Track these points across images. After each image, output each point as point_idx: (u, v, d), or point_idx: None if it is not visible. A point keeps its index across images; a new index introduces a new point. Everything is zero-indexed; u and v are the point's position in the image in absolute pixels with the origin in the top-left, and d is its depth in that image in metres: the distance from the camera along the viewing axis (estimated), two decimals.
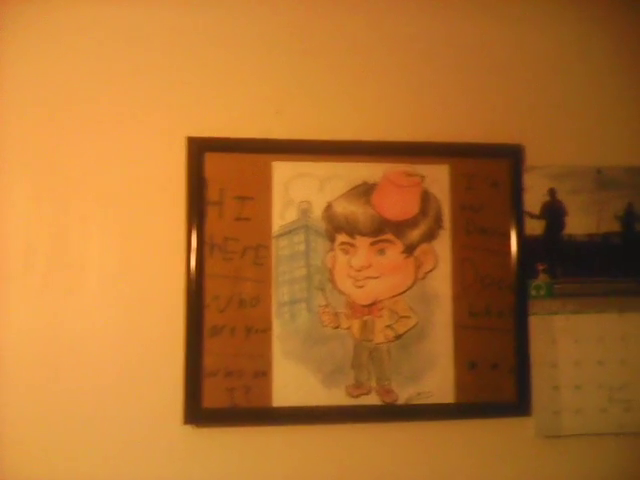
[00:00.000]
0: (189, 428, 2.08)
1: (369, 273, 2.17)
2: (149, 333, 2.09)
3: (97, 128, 2.13)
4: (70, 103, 2.13)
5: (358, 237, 2.17)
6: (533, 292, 2.23)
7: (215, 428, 2.10)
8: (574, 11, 2.36)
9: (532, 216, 2.26)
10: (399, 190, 2.20)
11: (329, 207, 2.17)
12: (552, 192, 2.27)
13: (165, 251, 2.11)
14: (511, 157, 2.26)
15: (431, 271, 2.20)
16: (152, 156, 2.13)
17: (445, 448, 2.19)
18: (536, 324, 2.22)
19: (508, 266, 2.24)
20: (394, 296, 2.18)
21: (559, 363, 2.22)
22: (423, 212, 2.21)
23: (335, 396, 2.13)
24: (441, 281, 2.20)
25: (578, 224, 2.27)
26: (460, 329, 2.20)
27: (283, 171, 2.16)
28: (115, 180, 2.12)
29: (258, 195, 2.15)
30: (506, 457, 2.20)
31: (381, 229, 2.18)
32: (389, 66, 2.26)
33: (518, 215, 2.25)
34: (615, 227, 2.29)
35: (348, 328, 2.15)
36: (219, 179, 2.13)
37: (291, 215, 2.16)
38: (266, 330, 2.12)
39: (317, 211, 2.17)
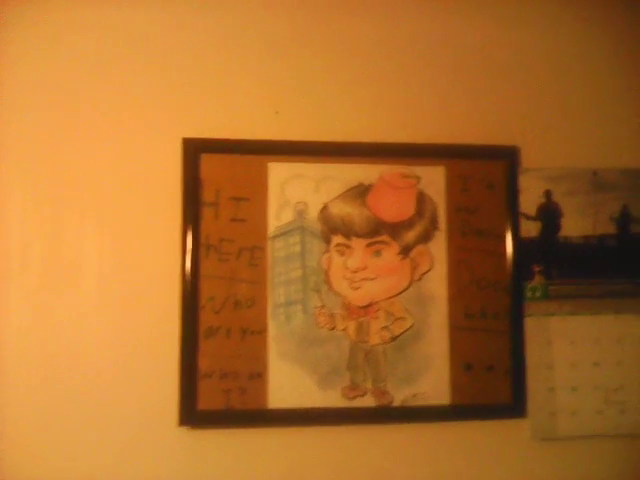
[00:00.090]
0: (184, 430, 2.08)
1: (365, 274, 2.17)
2: (144, 334, 2.09)
3: (93, 129, 2.13)
4: (66, 104, 2.13)
5: (354, 238, 2.17)
6: (529, 294, 2.23)
7: (210, 430, 2.10)
8: (570, 14, 2.36)
9: (528, 218, 2.26)
10: (395, 191, 2.20)
11: (325, 208, 2.17)
12: (548, 194, 2.27)
13: (161, 252, 2.11)
14: (507, 159, 2.27)
15: (427, 272, 2.20)
16: (148, 157, 2.13)
17: (441, 450, 2.18)
18: (532, 326, 2.22)
19: (504, 268, 2.24)
20: (390, 297, 2.18)
21: (555, 365, 2.22)
22: (419, 213, 2.21)
23: (331, 398, 2.13)
24: (437, 282, 2.20)
25: (574, 226, 2.27)
26: (456, 331, 2.20)
27: (279, 172, 2.16)
28: (111, 181, 2.12)
29: (254, 196, 2.14)
30: (502, 459, 2.20)
31: (377, 230, 2.17)
32: (386, 68, 2.26)
33: (514, 217, 2.25)
34: (611, 229, 2.29)
35: (344, 330, 2.15)
36: (215, 180, 2.13)
37: (287, 216, 2.15)
38: (262, 331, 2.12)
39: (313, 212, 2.16)
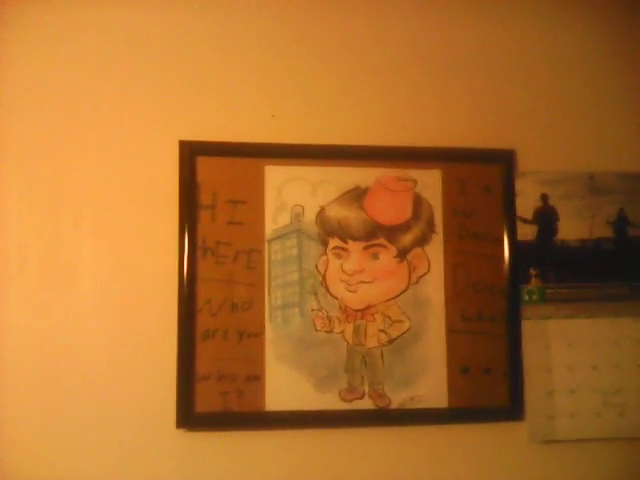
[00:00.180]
0: (181, 432, 2.08)
1: (362, 277, 2.17)
2: (141, 337, 2.09)
3: (91, 131, 2.13)
4: (64, 105, 2.13)
5: (351, 241, 2.17)
6: (525, 297, 2.23)
7: (208, 432, 2.10)
8: (568, 17, 2.37)
9: (524, 221, 2.26)
10: (392, 195, 2.21)
11: (322, 211, 2.18)
12: (544, 197, 2.27)
13: (158, 254, 2.11)
14: (503, 162, 2.27)
15: (424, 275, 2.21)
16: (145, 159, 2.13)
17: (438, 452, 2.18)
18: (529, 329, 2.22)
19: (500, 271, 2.24)
20: (387, 300, 2.18)
21: (553, 368, 2.22)
22: (416, 217, 2.21)
23: (328, 400, 2.13)
24: (434, 286, 2.21)
25: (570, 229, 2.28)
26: (453, 334, 2.20)
27: (276, 175, 2.16)
28: (108, 183, 2.12)
29: (251, 199, 2.15)
30: (499, 462, 2.20)
31: (374, 233, 2.18)
32: (383, 71, 2.27)
33: (510, 220, 2.26)
34: (607, 232, 2.29)
35: (341, 332, 2.15)
36: (212, 183, 2.13)
37: (284, 219, 2.16)
38: (259, 334, 2.12)
39: (310, 215, 2.17)
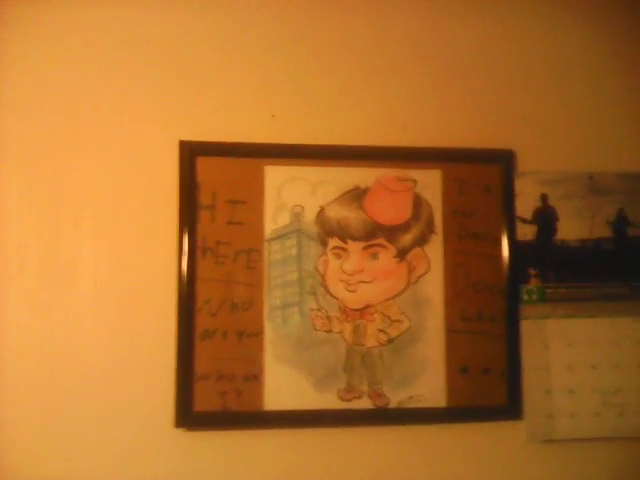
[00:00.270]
0: (180, 432, 2.08)
1: (361, 277, 2.18)
2: (141, 336, 2.09)
3: (90, 131, 2.13)
4: (63, 106, 2.14)
5: (350, 241, 2.18)
6: (525, 297, 2.24)
7: (206, 432, 2.10)
8: (567, 18, 2.37)
9: (524, 221, 2.26)
10: (391, 195, 2.21)
11: (321, 211, 2.18)
12: (544, 197, 2.28)
13: (157, 254, 2.11)
14: (503, 162, 2.27)
15: (423, 275, 2.21)
16: (144, 159, 2.14)
17: (437, 452, 2.19)
18: (528, 328, 2.23)
19: (500, 271, 2.24)
20: (386, 300, 2.18)
21: (552, 367, 2.23)
22: (415, 217, 2.21)
23: (327, 400, 2.13)
24: (433, 285, 2.21)
25: (570, 229, 2.28)
26: (452, 333, 2.20)
27: (275, 175, 2.17)
28: (107, 183, 2.13)
29: (250, 199, 2.15)
30: (497, 461, 2.20)
31: (373, 233, 2.18)
32: (382, 71, 2.27)
33: (510, 220, 2.26)
34: (607, 232, 2.29)
35: (340, 332, 2.16)
36: (211, 183, 2.13)
37: (283, 219, 2.16)
38: (258, 334, 2.12)
39: (309, 215, 2.17)
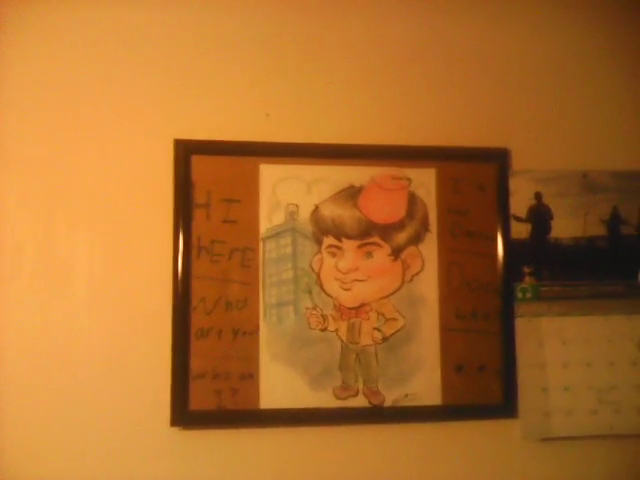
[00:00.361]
0: (176, 430, 2.08)
1: (356, 276, 2.18)
2: (136, 335, 2.09)
3: (85, 130, 2.13)
4: (58, 105, 2.14)
5: (345, 240, 2.18)
6: (519, 295, 2.24)
7: (202, 430, 2.10)
8: (561, 17, 2.37)
9: (518, 219, 2.27)
10: (386, 193, 2.21)
11: (316, 210, 2.18)
12: (538, 196, 2.28)
13: (152, 253, 2.11)
14: (497, 161, 2.28)
15: (418, 274, 2.21)
16: (139, 158, 2.14)
17: (432, 450, 2.19)
18: (523, 326, 2.23)
19: (494, 269, 2.25)
20: (381, 299, 2.19)
21: (547, 365, 2.23)
22: (410, 215, 2.22)
23: (322, 398, 2.13)
24: (428, 284, 2.21)
25: (564, 227, 2.29)
26: (447, 331, 2.21)
27: (270, 174, 2.17)
28: (102, 182, 2.12)
29: (245, 198, 2.15)
30: (492, 458, 2.21)
31: (368, 232, 2.19)
32: (377, 70, 2.27)
33: (504, 218, 2.27)
34: (601, 231, 2.30)
35: (335, 330, 2.16)
36: (206, 181, 2.14)
37: (278, 218, 2.16)
38: (253, 332, 2.12)
39: (304, 214, 2.18)
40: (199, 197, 2.13)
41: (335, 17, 2.27)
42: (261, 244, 2.15)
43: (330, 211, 2.18)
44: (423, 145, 2.24)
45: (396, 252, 2.20)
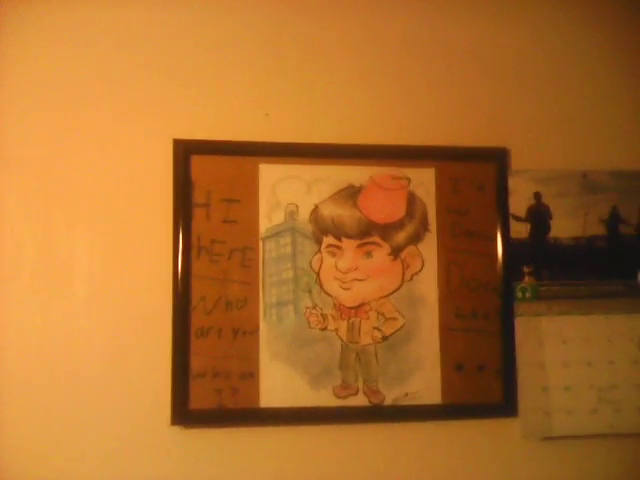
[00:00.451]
0: (177, 429, 2.09)
1: (355, 275, 2.18)
2: (136, 335, 2.10)
3: (85, 130, 2.14)
4: (57, 106, 2.14)
5: (345, 239, 2.19)
6: (519, 294, 2.24)
7: (203, 429, 2.11)
8: (560, 16, 2.38)
9: (518, 219, 2.28)
10: (385, 193, 2.22)
11: (316, 210, 2.19)
12: (537, 195, 2.29)
13: (152, 253, 2.12)
14: (497, 161, 2.28)
15: (417, 273, 2.22)
16: (139, 158, 2.14)
17: (432, 449, 2.19)
18: (522, 326, 2.23)
19: (494, 269, 2.25)
20: (381, 298, 2.19)
21: (547, 364, 2.23)
22: (409, 215, 2.22)
23: (322, 397, 2.14)
24: (427, 283, 2.22)
25: (564, 227, 2.29)
26: (447, 331, 2.21)
27: (270, 174, 2.18)
28: (102, 182, 2.13)
29: (245, 197, 2.16)
30: (492, 457, 2.21)
31: (368, 231, 2.19)
32: (377, 70, 2.28)
33: (504, 218, 2.27)
34: (600, 230, 2.31)
35: (335, 330, 2.16)
36: (206, 181, 2.14)
37: (278, 217, 2.17)
38: (253, 332, 2.13)
39: (304, 213, 2.18)
40: (199, 197, 2.14)
41: (335, 17, 2.27)
42: (261, 244, 2.16)
43: (330, 211, 2.19)
44: (422, 145, 2.25)
45: (396, 252, 2.20)
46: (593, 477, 2.24)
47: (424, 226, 2.23)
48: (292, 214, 2.17)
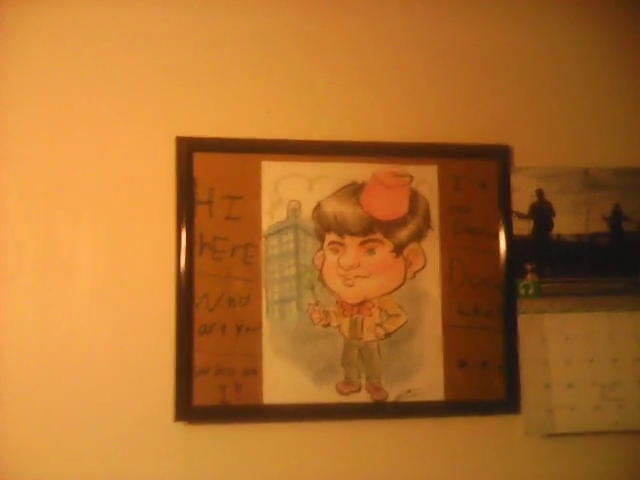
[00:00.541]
0: (180, 425, 2.09)
1: (358, 272, 2.19)
2: (140, 332, 2.10)
3: (87, 128, 2.14)
4: (59, 103, 2.15)
5: (347, 236, 2.19)
6: (522, 291, 2.25)
7: (206, 425, 2.11)
8: (563, 13, 2.39)
9: (520, 216, 2.28)
10: (388, 190, 2.22)
11: (318, 207, 2.19)
12: (540, 193, 2.29)
13: (155, 250, 2.12)
14: (499, 158, 2.29)
15: (420, 270, 2.22)
16: (141, 155, 2.15)
17: (435, 445, 2.19)
18: (525, 323, 2.24)
19: (496, 266, 2.26)
20: (383, 295, 2.19)
21: (550, 361, 2.23)
22: (412, 212, 2.23)
23: (325, 393, 2.14)
24: (430, 280, 2.22)
25: (566, 224, 2.29)
26: (449, 328, 2.21)
27: (273, 171, 2.18)
28: (105, 180, 2.13)
29: (247, 194, 2.16)
30: (495, 454, 2.21)
31: (370, 229, 2.20)
32: (379, 67, 2.29)
33: (506, 215, 2.27)
34: (603, 227, 2.31)
35: (338, 326, 2.17)
36: (208, 178, 2.15)
37: (280, 214, 2.17)
38: (256, 328, 2.13)
39: (306, 211, 2.19)
40: (201, 194, 2.14)
41: (337, 15, 2.28)
42: (263, 241, 2.16)
43: (332, 208, 2.19)
44: (425, 142, 2.25)
45: (398, 249, 2.21)
46: (596, 474, 2.24)
47: (426, 223, 2.23)
48: (294, 211, 2.18)
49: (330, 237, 2.19)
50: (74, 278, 2.11)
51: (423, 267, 2.22)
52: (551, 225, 2.29)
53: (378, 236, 2.20)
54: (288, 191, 2.18)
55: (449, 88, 2.31)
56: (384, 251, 2.20)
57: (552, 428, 2.22)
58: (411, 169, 2.24)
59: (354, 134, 2.22)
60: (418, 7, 2.32)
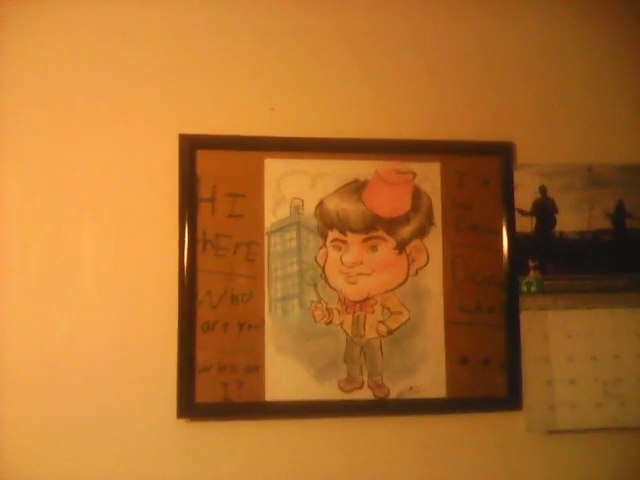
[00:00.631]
0: (183, 422, 2.10)
1: (361, 269, 2.19)
2: (143, 329, 2.11)
3: (90, 126, 2.15)
4: (63, 101, 2.15)
5: (350, 234, 2.19)
6: (524, 288, 2.25)
7: (208, 422, 2.12)
8: (565, 10, 2.38)
9: (523, 213, 2.27)
10: (390, 187, 2.22)
11: (321, 204, 2.19)
12: (543, 189, 2.29)
13: (158, 248, 2.13)
14: (502, 155, 2.28)
15: (423, 267, 2.22)
16: (145, 153, 2.15)
17: (437, 442, 2.20)
18: (528, 320, 2.24)
19: (499, 263, 2.26)
20: (386, 292, 2.20)
21: (552, 358, 2.23)
22: (414, 209, 2.23)
23: (328, 390, 2.15)
24: (432, 277, 2.22)
25: (569, 221, 2.29)
26: (452, 325, 2.21)
27: (275, 168, 2.18)
28: (108, 177, 2.14)
29: (250, 192, 2.17)
30: (497, 451, 2.21)
31: (373, 226, 2.20)
32: (382, 64, 2.28)
33: (509, 212, 2.27)
34: (606, 224, 2.30)
35: (340, 324, 2.17)
36: (211, 176, 2.15)
37: (283, 212, 2.17)
38: (259, 326, 2.14)
39: (309, 208, 2.19)
40: (204, 191, 2.14)
41: (339, 11, 2.27)
42: (266, 238, 2.16)
43: (335, 205, 2.19)
44: (427, 139, 2.25)
45: (401, 246, 2.21)
46: (597, 471, 2.24)
47: (429, 220, 2.23)
48: (297, 208, 2.18)
49: (333, 234, 2.19)
50: (77, 276, 2.11)
51: (426, 264, 2.22)
52: (554, 222, 2.28)
53: (381, 233, 2.20)
54: (291, 188, 2.18)
55: (452, 85, 2.30)
56: (387, 248, 2.20)
57: (554, 425, 2.22)
58: (414, 166, 2.24)
59: (356, 131, 2.22)
60: (421, 5, 2.31)
